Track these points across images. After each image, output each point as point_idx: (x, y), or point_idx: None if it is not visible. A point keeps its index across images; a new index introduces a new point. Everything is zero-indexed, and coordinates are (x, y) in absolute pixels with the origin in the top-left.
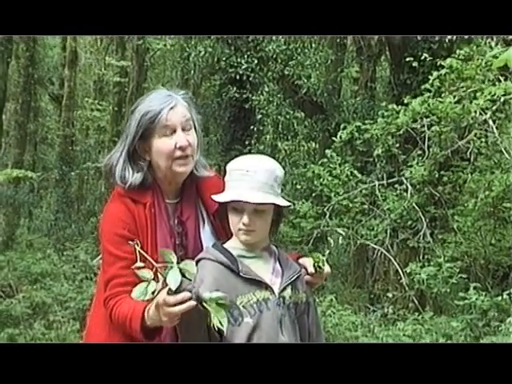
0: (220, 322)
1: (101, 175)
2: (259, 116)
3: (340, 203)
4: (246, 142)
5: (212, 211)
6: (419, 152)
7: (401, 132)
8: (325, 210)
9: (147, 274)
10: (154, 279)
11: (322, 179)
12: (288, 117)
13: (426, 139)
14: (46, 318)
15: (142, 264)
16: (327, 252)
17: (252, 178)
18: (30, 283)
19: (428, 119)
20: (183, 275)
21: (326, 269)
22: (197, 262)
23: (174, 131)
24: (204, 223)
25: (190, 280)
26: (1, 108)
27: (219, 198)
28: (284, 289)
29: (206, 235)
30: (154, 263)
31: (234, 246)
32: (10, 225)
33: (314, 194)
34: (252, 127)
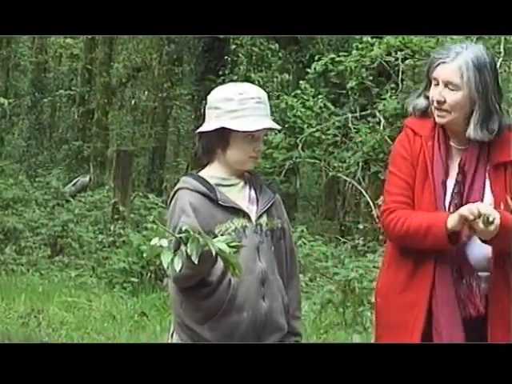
0: (236, 271)
1: (73, 103)
2: (233, 46)
3: (312, 135)
4: (220, 72)
5: (497, 163)
6: (392, 85)
7: (375, 65)
8: (297, 141)
9: (163, 242)
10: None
11: (295, 110)
12: (262, 48)
13: (400, 72)
14: (18, 243)
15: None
16: (298, 184)
17: (266, 106)
18: (2, 209)
19: (402, 52)
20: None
21: None
22: (174, 193)
23: (438, 84)
24: (484, 177)
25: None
26: None
27: (246, 127)
28: (260, 216)
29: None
30: (172, 233)
31: (210, 174)
32: None
33: (286, 126)
34: (226, 57)
